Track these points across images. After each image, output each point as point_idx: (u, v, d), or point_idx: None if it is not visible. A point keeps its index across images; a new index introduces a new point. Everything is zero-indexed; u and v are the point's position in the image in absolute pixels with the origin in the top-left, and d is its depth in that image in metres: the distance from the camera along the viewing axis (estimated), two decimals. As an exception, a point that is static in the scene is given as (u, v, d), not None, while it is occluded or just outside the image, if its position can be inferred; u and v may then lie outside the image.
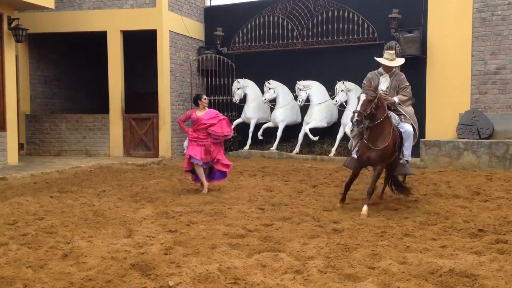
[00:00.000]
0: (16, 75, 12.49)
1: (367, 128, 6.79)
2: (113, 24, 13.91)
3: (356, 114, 6.54)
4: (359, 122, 6.56)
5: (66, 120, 14.63)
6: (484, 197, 7.75)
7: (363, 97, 6.64)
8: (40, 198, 7.86)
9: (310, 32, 14.34)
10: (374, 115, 6.69)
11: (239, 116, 14.83)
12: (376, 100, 6.62)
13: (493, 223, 5.97)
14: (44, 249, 4.99)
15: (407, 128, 7.15)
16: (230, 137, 9.64)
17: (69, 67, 16.17)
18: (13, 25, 11.84)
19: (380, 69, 7.50)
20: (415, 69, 12.77)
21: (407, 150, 7.17)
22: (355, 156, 7.19)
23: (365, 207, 6.65)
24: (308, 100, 13.54)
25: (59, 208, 7.08)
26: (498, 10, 12.00)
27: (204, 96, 8.73)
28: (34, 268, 4.43)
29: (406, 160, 7.19)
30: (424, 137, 12.38)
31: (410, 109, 7.43)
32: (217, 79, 15.15)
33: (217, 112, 8.76)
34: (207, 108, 8.67)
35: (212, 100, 14.81)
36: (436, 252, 4.86)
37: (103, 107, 14.57)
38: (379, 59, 7.43)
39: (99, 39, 14.56)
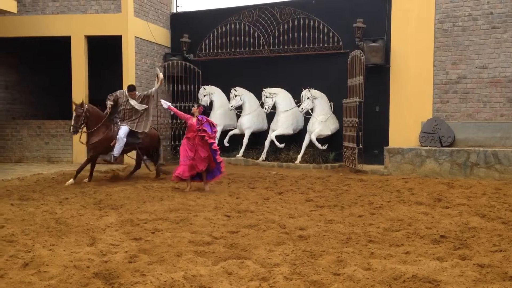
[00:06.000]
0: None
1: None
2: (77, 29, 13.70)
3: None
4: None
5: (28, 126, 14.30)
6: (446, 203, 7.91)
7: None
8: (0, 205, 7.65)
9: (276, 40, 14.43)
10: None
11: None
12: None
13: (455, 230, 6.09)
14: (4, 258, 4.84)
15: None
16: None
17: (31, 72, 15.81)
18: (-27, 28, 11.59)
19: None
20: (379, 78, 13.02)
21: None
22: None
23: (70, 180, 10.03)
24: (274, 107, 13.60)
25: (20, 216, 6.90)
26: (459, 21, 12.32)
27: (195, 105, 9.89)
28: (-7, 278, 4.30)
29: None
30: (388, 145, 12.60)
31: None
32: (183, 85, 15.08)
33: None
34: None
35: (178, 107, 14.71)
36: (400, 258, 4.93)
37: (67, 113, 14.28)
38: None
39: (62, 44, 14.31)
